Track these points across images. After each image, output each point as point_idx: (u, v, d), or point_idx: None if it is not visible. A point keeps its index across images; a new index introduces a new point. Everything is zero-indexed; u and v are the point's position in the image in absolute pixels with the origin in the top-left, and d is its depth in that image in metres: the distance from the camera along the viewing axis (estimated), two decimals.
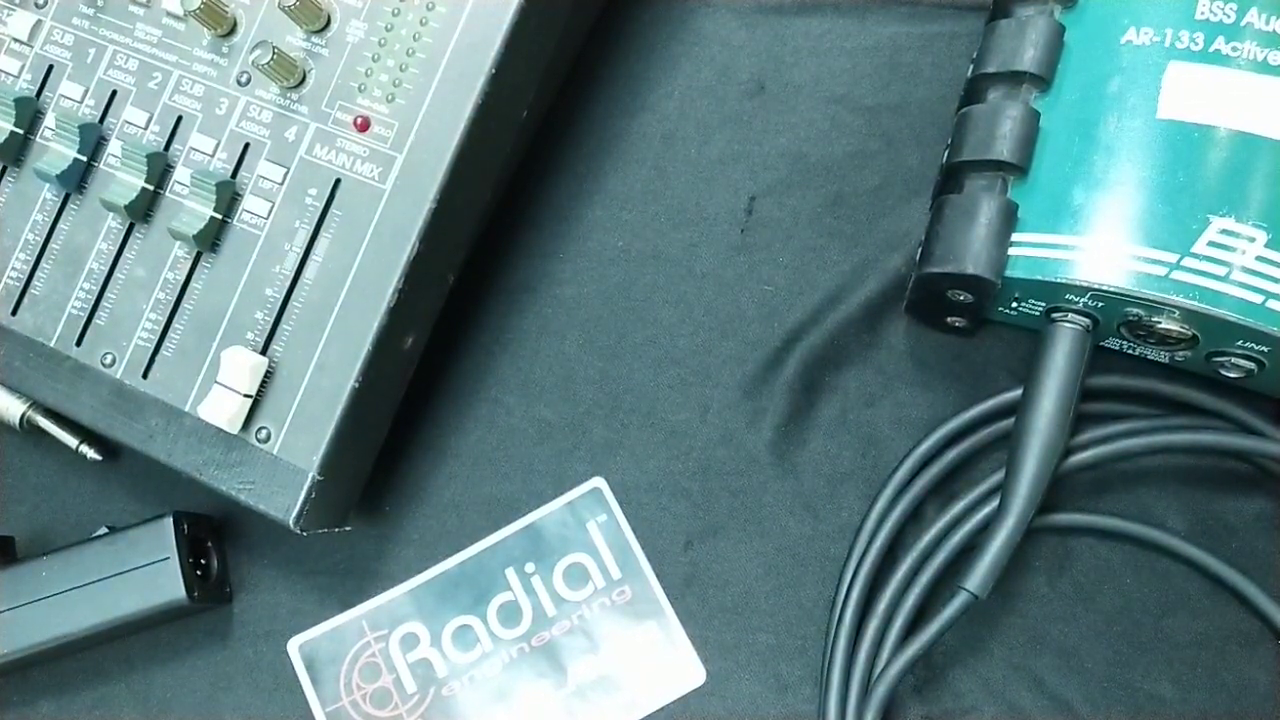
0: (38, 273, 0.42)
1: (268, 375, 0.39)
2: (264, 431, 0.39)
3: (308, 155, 0.40)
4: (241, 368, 0.38)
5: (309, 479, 0.38)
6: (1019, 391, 0.40)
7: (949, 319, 0.42)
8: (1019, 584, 0.41)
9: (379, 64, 0.40)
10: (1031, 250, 0.37)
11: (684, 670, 0.42)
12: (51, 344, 0.41)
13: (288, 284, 0.40)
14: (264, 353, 0.39)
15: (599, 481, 0.43)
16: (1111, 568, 0.41)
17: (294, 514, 0.38)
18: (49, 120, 0.42)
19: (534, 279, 0.46)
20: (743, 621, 0.42)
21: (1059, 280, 0.36)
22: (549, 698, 0.42)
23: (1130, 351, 0.40)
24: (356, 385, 0.38)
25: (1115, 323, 0.38)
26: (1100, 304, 0.37)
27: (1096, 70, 0.38)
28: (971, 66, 0.40)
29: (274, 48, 0.39)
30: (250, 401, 0.38)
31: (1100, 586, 0.41)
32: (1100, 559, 0.41)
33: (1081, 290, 0.36)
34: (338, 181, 0.40)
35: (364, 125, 0.40)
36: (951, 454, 0.41)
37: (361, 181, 0.40)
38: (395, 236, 0.39)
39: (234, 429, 0.38)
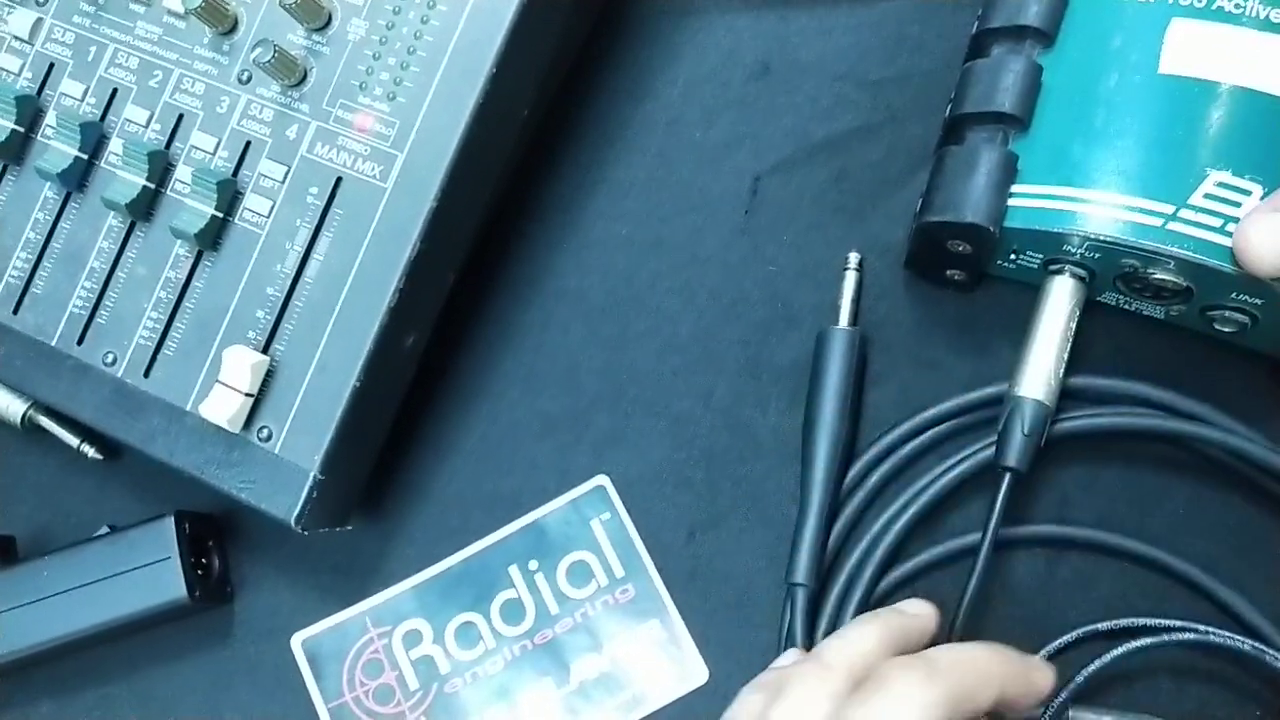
0: (39, 271, 0.42)
1: (269, 374, 0.39)
2: (265, 430, 0.39)
3: (309, 154, 0.40)
4: (243, 366, 0.38)
5: (310, 478, 0.38)
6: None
7: (948, 272, 0.42)
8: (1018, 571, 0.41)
9: (380, 62, 0.40)
10: (1030, 201, 0.38)
11: (687, 669, 0.42)
12: (53, 343, 0.41)
13: (289, 283, 0.39)
14: (265, 351, 0.39)
15: (603, 479, 0.43)
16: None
17: (295, 513, 0.38)
18: (50, 118, 0.42)
19: (537, 271, 0.46)
20: (745, 618, 0.42)
21: (1056, 230, 0.37)
22: (551, 696, 0.42)
23: (1126, 307, 0.41)
24: (358, 384, 0.38)
25: (1111, 275, 0.39)
26: (1096, 255, 0.38)
27: (1100, 26, 0.38)
28: (977, 22, 0.41)
29: (275, 46, 0.39)
30: (251, 400, 0.38)
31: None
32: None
33: (1078, 241, 0.37)
34: (339, 180, 0.40)
35: (365, 124, 0.40)
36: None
37: (363, 180, 0.40)
38: (396, 235, 0.39)
39: (235, 428, 0.38)
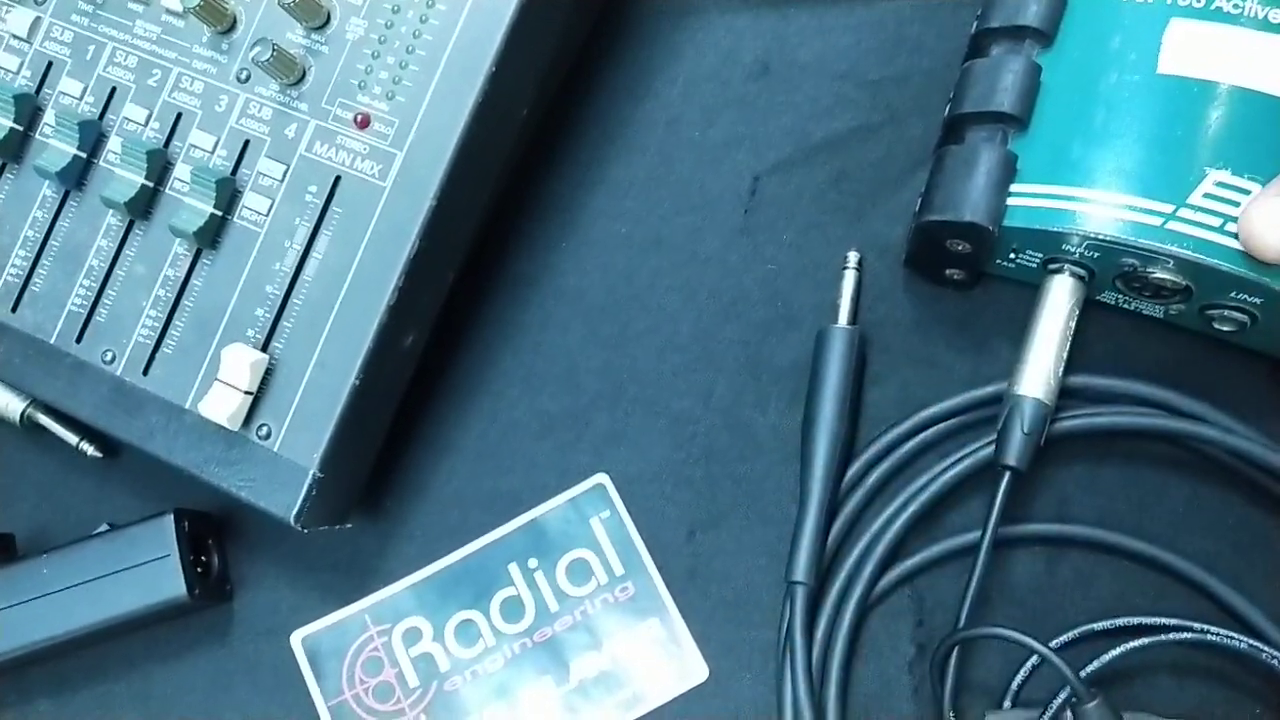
0: (37, 269, 0.42)
1: (268, 372, 0.39)
2: (264, 429, 0.39)
3: (307, 152, 0.40)
4: (242, 365, 0.38)
5: (310, 476, 0.38)
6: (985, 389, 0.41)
7: (948, 271, 0.42)
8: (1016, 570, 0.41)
9: (379, 61, 0.40)
10: (1030, 200, 0.38)
11: (686, 667, 0.42)
12: (51, 341, 0.41)
13: (288, 281, 0.39)
14: (264, 350, 0.39)
15: (602, 478, 0.43)
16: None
17: (295, 511, 0.38)
18: (48, 117, 0.42)
19: (536, 270, 0.46)
20: (745, 617, 0.42)
21: (1056, 230, 0.37)
22: (551, 693, 0.42)
23: (1125, 306, 0.41)
24: (357, 383, 0.38)
25: (1111, 275, 0.39)
26: (1096, 254, 0.38)
27: (1099, 26, 0.38)
28: (976, 22, 0.41)
29: (274, 45, 0.39)
30: (250, 399, 0.38)
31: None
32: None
33: (1078, 240, 0.37)
34: (338, 179, 0.40)
35: (364, 122, 0.40)
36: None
37: (362, 179, 0.39)
38: (395, 234, 0.39)
39: (234, 426, 0.38)
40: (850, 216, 0.45)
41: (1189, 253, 0.36)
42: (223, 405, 0.38)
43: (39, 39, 0.43)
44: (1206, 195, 0.36)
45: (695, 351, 0.45)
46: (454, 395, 0.45)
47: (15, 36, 0.43)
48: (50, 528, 0.45)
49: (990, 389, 0.41)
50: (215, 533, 0.44)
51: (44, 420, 0.44)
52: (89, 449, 0.44)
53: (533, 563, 0.43)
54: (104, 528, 0.43)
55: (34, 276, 0.42)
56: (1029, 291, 0.40)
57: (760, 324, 0.44)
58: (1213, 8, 0.37)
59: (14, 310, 0.42)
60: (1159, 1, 0.38)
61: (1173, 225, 0.36)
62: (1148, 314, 0.41)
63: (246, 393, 0.38)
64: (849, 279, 0.43)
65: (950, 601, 0.40)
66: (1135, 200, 0.36)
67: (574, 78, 0.47)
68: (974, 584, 0.38)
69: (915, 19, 0.46)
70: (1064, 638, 0.39)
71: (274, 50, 0.39)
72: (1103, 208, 0.36)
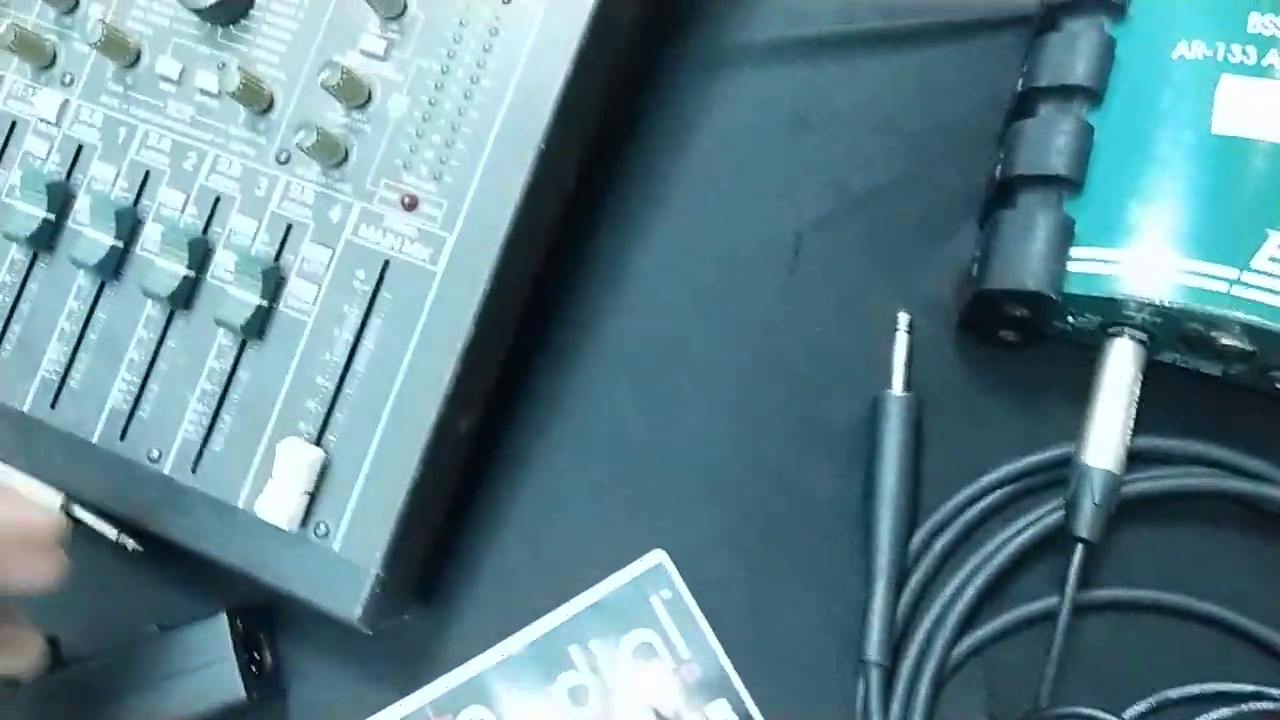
0: (75, 364, 0.40)
1: (323, 467, 0.38)
2: (323, 527, 0.38)
3: (354, 236, 0.39)
4: (299, 463, 0.37)
5: (373, 576, 0.37)
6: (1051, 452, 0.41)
7: (1001, 332, 0.42)
8: None
9: (424, 140, 0.39)
10: (1089, 266, 0.37)
11: None
12: (94, 440, 0.40)
13: (339, 371, 0.38)
14: (318, 443, 0.38)
15: (660, 555, 0.42)
16: None
17: (360, 613, 0.37)
18: (81, 204, 0.41)
19: (580, 338, 0.45)
20: (811, 691, 0.41)
21: (1119, 297, 0.36)
22: None
23: (1184, 365, 0.41)
24: (417, 477, 0.37)
25: (1173, 338, 0.38)
26: (1159, 320, 0.37)
27: (1148, 84, 0.38)
28: (1021, 80, 0.40)
29: (318, 129, 0.38)
30: (309, 499, 0.37)
31: None
32: None
33: (1138, 305, 0.37)
34: (386, 263, 0.39)
35: (412, 204, 0.39)
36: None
37: (411, 263, 0.38)
38: (450, 320, 0.38)
39: (293, 528, 0.37)
40: (894, 272, 0.45)
41: (1256, 319, 0.35)
42: (281, 506, 0.37)
43: (68, 122, 0.41)
44: (1271, 259, 0.35)
45: (745, 418, 0.44)
46: (503, 470, 0.44)
47: (44, 120, 0.41)
48: (93, 625, 0.43)
49: (1052, 453, 0.41)
50: (267, 626, 0.42)
51: (82, 514, 0.42)
52: (129, 543, 0.42)
53: (595, 645, 0.42)
54: (154, 629, 0.41)
55: (72, 371, 0.40)
56: (1084, 350, 0.40)
57: (809, 386, 0.44)
58: (1264, 64, 0.37)
59: (53, 407, 0.40)
60: (1209, 59, 0.37)
61: (1238, 291, 0.35)
62: (1205, 371, 0.41)
63: (305, 493, 0.37)
64: (901, 342, 0.42)
65: (1019, 667, 0.39)
66: (1198, 265, 0.36)
67: (609, 138, 0.46)
68: (1053, 662, 0.37)
69: (948, 66, 0.46)
70: (1140, 707, 0.39)
71: (319, 135, 0.38)
72: (1165, 273, 0.36)
